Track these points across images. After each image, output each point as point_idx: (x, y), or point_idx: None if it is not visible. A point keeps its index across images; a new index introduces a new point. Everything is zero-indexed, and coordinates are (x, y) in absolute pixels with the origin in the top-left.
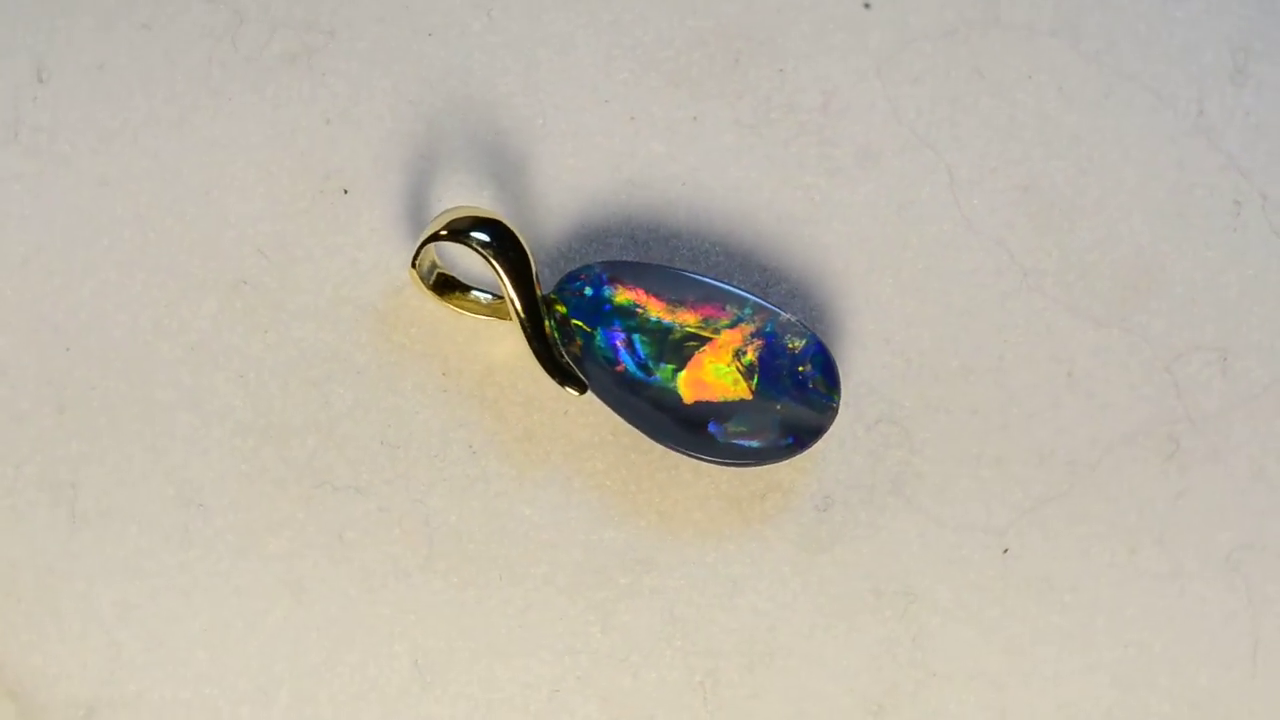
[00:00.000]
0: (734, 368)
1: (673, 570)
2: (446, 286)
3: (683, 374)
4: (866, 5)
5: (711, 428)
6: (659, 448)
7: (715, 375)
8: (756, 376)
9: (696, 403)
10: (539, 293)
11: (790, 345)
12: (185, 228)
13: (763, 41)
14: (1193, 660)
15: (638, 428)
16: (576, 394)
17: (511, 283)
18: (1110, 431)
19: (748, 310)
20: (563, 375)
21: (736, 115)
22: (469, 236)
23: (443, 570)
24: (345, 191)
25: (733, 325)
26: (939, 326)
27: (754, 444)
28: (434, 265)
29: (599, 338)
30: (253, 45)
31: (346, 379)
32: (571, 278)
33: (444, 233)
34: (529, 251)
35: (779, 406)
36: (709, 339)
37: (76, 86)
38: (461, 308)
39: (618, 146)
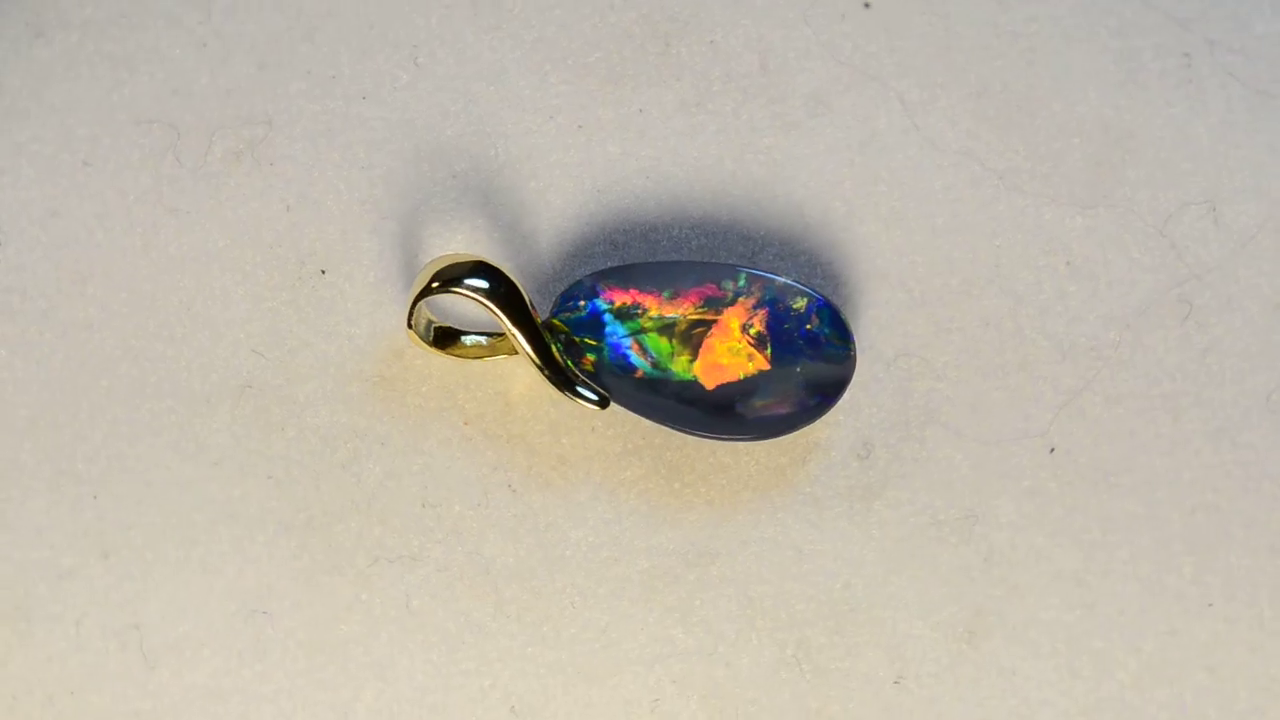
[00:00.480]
0: (745, 343)
1: (736, 554)
2: (446, 338)
3: (698, 363)
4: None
5: (738, 407)
6: (692, 439)
7: (729, 355)
8: (769, 346)
9: (719, 387)
10: (538, 320)
11: (794, 306)
12: (178, 348)
13: (687, 20)
14: (1262, 508)
15: (667, 425)
16: (599, 409)
17: (510, 319)
18: (1122, 308)
19: (742, 283)
20: (582, 394)
21: (680, 97)
22: (458, 285)
23: (515, 613)
24: (323, 272)
25: (732, 302)
26: (931, 250)
27: (783, 412)
28: (429, 321)
29: (607, 349)
30: (195, 155)
31: (373, 453)
32: (565, 297)
33: (434, 285)
34: (518, 283)
35: (798, 369)
36: (714, 321)
37: (35, 240)
38: (466, 355)
39: (574, 158)
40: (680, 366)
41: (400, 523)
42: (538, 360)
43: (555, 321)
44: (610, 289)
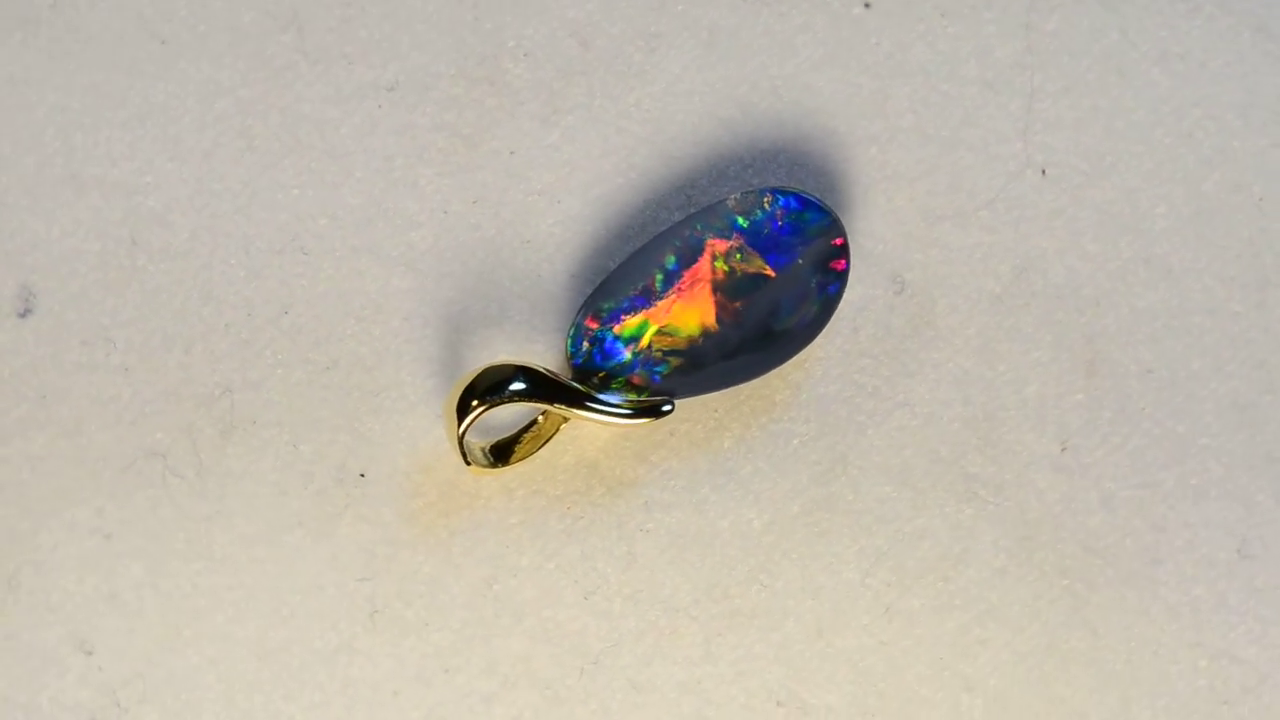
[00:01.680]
0: (740, 270)
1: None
2: (505, 450)
3: (715, 316)
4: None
5: (774, 326)
6: (754, 385)
7: (735, 292)
8: (759, 258)
9: (744, 319)
10: (569, 382)
11: (756, 214)
12: (274, 627)
13: (503, 23)
14: None
15: (728, 386)
16: (670, 412)
17: (560, 402)
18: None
19: (700, 226)
20: (648, 414)
21: (555, 107)
22: (501, 397)
23: (753, 638)
24: (362, 475)
25: (703, 250)
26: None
27: (813, 310)
28: (481, 448)
29: (642, 372)
30: (191, 460)
31: (510, 584)
32: (573, 348)
33: (475, 406)
34: (536, 364)
35: (799, 261)
36: (706, 280)
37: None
38: (529, 451)
39: (511, 208)
40: (708, 332)
41: (572, 637)
42: (592, 413)
43: (581, 371)
44: (608, 318)
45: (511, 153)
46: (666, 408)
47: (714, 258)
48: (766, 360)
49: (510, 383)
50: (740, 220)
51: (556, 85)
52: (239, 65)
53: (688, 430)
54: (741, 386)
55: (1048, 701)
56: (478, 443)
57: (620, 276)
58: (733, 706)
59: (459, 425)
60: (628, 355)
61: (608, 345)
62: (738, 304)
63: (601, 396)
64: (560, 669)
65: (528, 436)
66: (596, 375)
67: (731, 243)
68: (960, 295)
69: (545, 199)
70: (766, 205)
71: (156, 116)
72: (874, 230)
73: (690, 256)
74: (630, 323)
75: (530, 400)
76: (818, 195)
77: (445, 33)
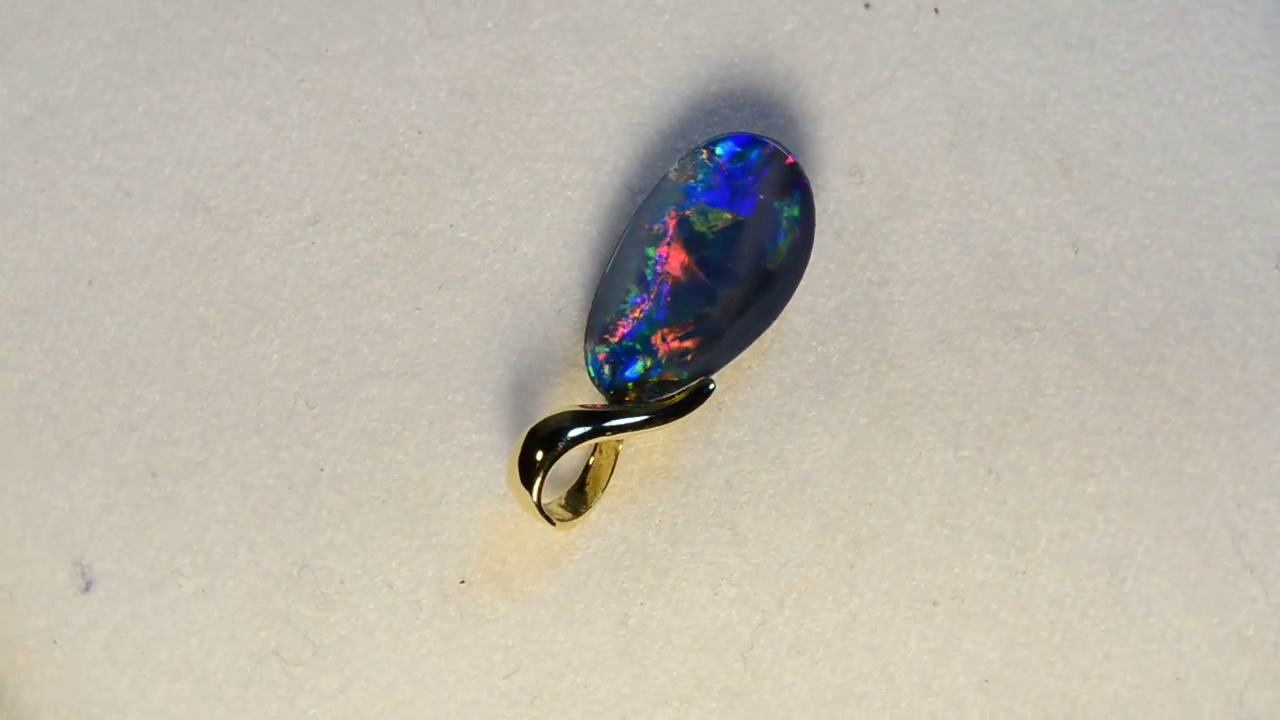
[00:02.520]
0: (714, 229)
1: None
2: (579, 495)
3: (705, 281)
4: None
5: (767, 264)
6: (774, 327)
7: (718, 251)
8: (723, 212)
9: (742, 273)
10: (615, 408)
11: (700, 174)
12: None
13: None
14: None
15: (751, 341)
16: (713, 389)
17: (604, 434)
18: None
19: (654, 209)
20: (695, 401)
21: (470, 165)
22: (557, 452)
23: (881, 556)
24: (462, 581)
25: (667, 228)
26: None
27: (795, 234)
28: (557, 504)
29: (669, 367)
30: (303, 644)
31: (641, 613)
32: (596, 375)
33: (540, 468)
34: (576, 406)
35: (761, 198)
36: (681, 255)
37: None
38: (600, 485)
39: (476, 275)
40: (690, 303)
41: (730, 649)
42: (653, 424)
43: (615, 392)
44: (611, 333)
45: (451, 225)
46: (710, 387)
47: (680, 229)
48: (775, 300)
49: (564, 434)
50: (690, 184)
51: (460, 144)
52: (165, 259)
53: (734, 396)
54: (764, 335)
55: (1174, 482)
56: (553, 501)
57: (607, 288)
58: (894, 621)
59: (531, 493)
60: (648, 361)
61: (624, 359)
62: (726, 262)
63: (647, 405)
64: (725, 666)
65: (591, 474)
66: (629, 390)
67: (688, 212)
68: (918, 157)
69: (503, 253)
70: (706, 160)
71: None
72: (816, 136)
73: (660, 239)
74: (635, 328)
75: (586, 440)
76: (748, 130)
77: (338, 148)
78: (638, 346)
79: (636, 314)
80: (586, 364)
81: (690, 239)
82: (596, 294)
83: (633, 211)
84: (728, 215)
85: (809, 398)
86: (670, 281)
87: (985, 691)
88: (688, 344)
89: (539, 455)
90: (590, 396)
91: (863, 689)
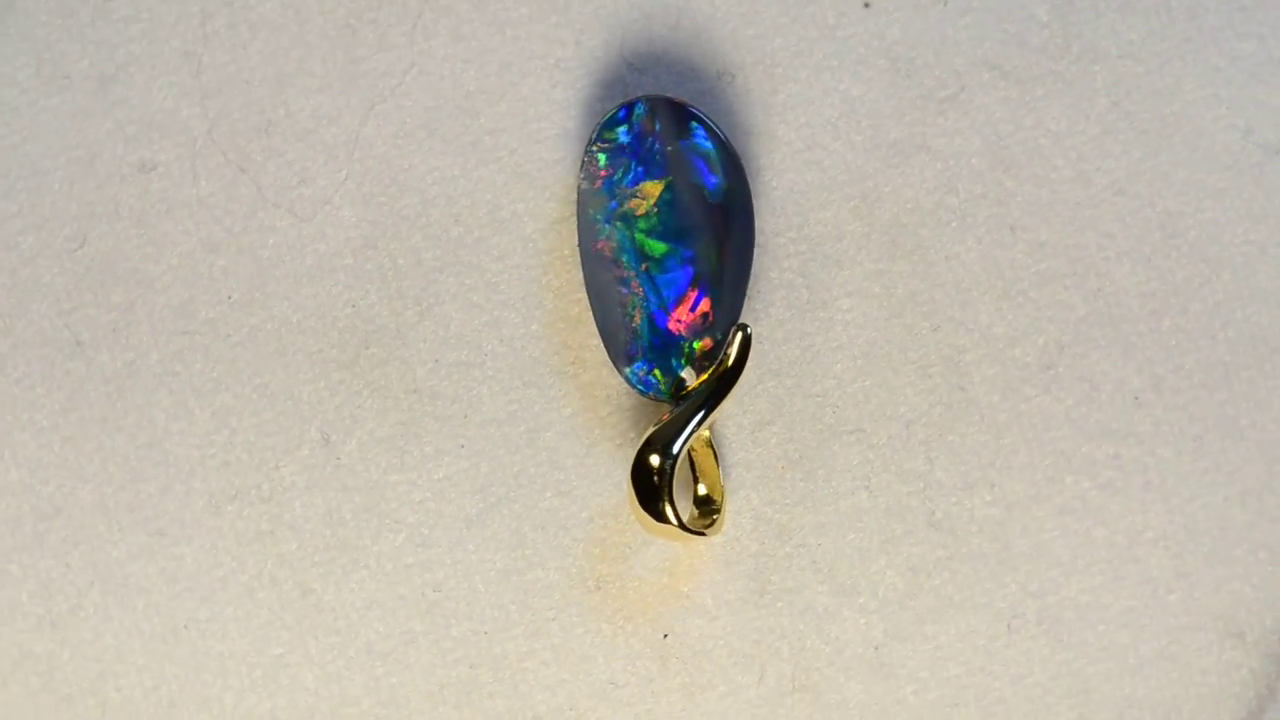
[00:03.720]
0: (651, 207)
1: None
2: (703, 501)
3: (677, 249)
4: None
5: (720, 201)
6: (760, 245)
7: (671, 217)
8: (647, 184)
9: (703, 219)
10: (699, 394)
11: (600, 166)
12: None
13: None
14: None
15: (748, 271)
16: (751, 332)
17: (706, 424)
18: None
19: (589, 218)
20: (743, 354)
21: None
22: (672, 463)
23: (967, 460)
24: (665, 635)
25: (610, 229)
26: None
27: (725, 156)
28: (692, 516)
29: (699, 343)
30: None
31: (822, 554)
32: (651, 390)
33: (662, 487)
34: (669, 411)
35: (666, 149)
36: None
37: None
38: (717, 482)
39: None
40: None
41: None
42: (730, 394)
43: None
44: (635, 349)
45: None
46: (748, 331)
47: (626, 223)
48: (746, 224)
49: (670, 446)
50: (605, 180)
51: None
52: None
53: (763, 332)
54: (758, 256)
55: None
56: (690, 516)
57: (601, 314)
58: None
59: (670, 515)
60: (679, 346)
61: (660, 358)
62: (681, 221)
63: (708, 379)
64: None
65: (701, 474)
66: (684, 381)
67: (623, 206)
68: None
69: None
70: (602, 150)
71: None
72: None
73: (615, 242)
74: (646, 327)
75: (694, 435)
76: (608, 100)
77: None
78: (661, 340)
79: (638, 317)
80: (635, 387)
81: (640, 223)
82: (599, 326)
83: (573, 240)
84: (655, 183)
85: (830, 295)
86: (645, 267)
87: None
88: (700, 309)
89: (656, 478)
90: (655, 411)
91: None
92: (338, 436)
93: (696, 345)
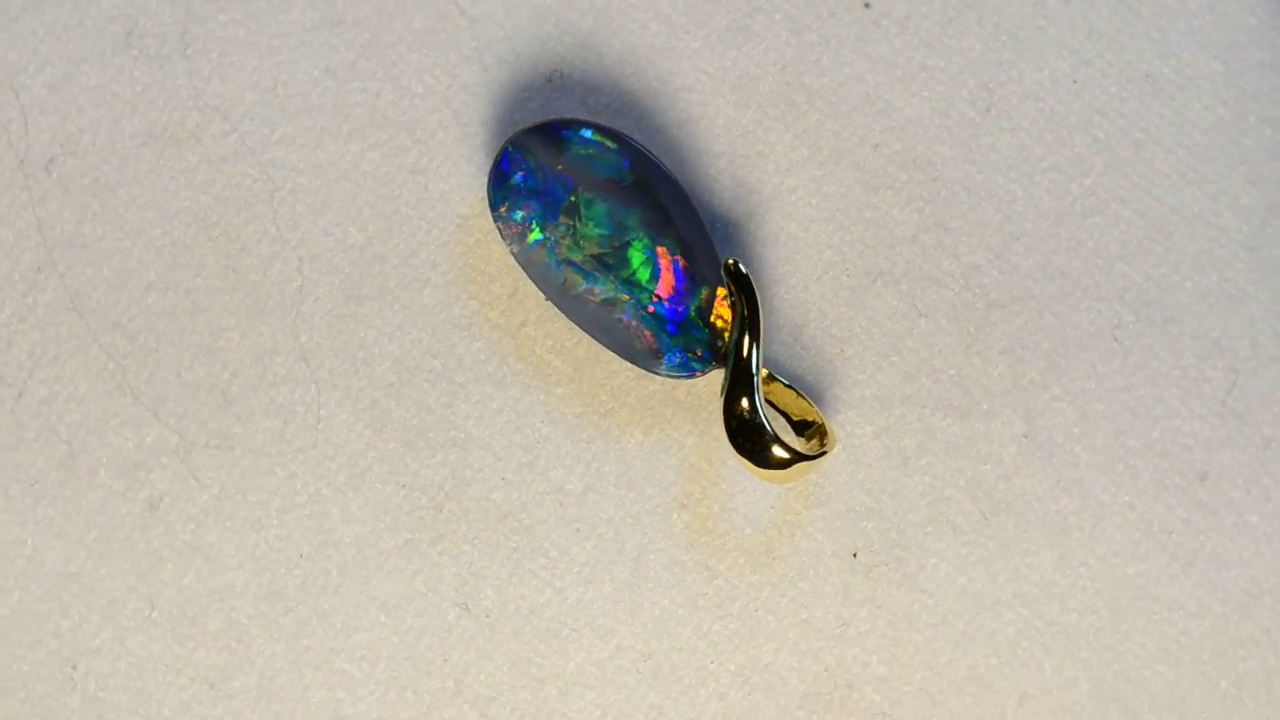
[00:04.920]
0: (587, 223)
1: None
2: (801, 425)
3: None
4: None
5: (640, 181)
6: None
7: (601, 224)
8: (571, 195)
9: (626, 205)
10: (751, 327)
11: (523, 213)
12: None
13: None
14: None
15: (699, 216)
16: (733, 259)
17: (754, 352)
18: None
19: (546, 265)
20: (743, 284)
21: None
22: (753, 394)
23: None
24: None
25: (566, 267)
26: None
27: (616, 144)
28: (801, 444)
29: (720, 306)
30: None
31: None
32: (698, 367)
33: (756, 421)
34: (728, 393)
35: (561, 167)
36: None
37: None
38: (807, 406)
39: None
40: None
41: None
42: (752, 320)
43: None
44: (667, 347)
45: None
46: (736, 265)
47: (574, 246)
48: (668, 181)
49: (751, 391)
50: (534, 229)
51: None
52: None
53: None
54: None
55: None
56: (794, 443)
57: (609, 338)
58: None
59: (785, 451)
60: (689, 316)
61: (687, 344)
62: (617, 218)
63: (738, 324)
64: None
65: (787, 412)
66: (718, 342)
67: (562, 241)
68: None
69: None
70: (505, 211)
71: None
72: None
73: (578, 273)
74: (652, 320)
75: (762, 377)
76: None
77: None
78: (671, 325)
79: (636, 320)
80: (682, 373)
81: (583, 246)
82: (612, 349)
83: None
84: (571, 204)
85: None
86: (613, 277)
87: None
88: (682, 273)
89: (754, 422)
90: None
91: None
92: None
93: (700, 303)
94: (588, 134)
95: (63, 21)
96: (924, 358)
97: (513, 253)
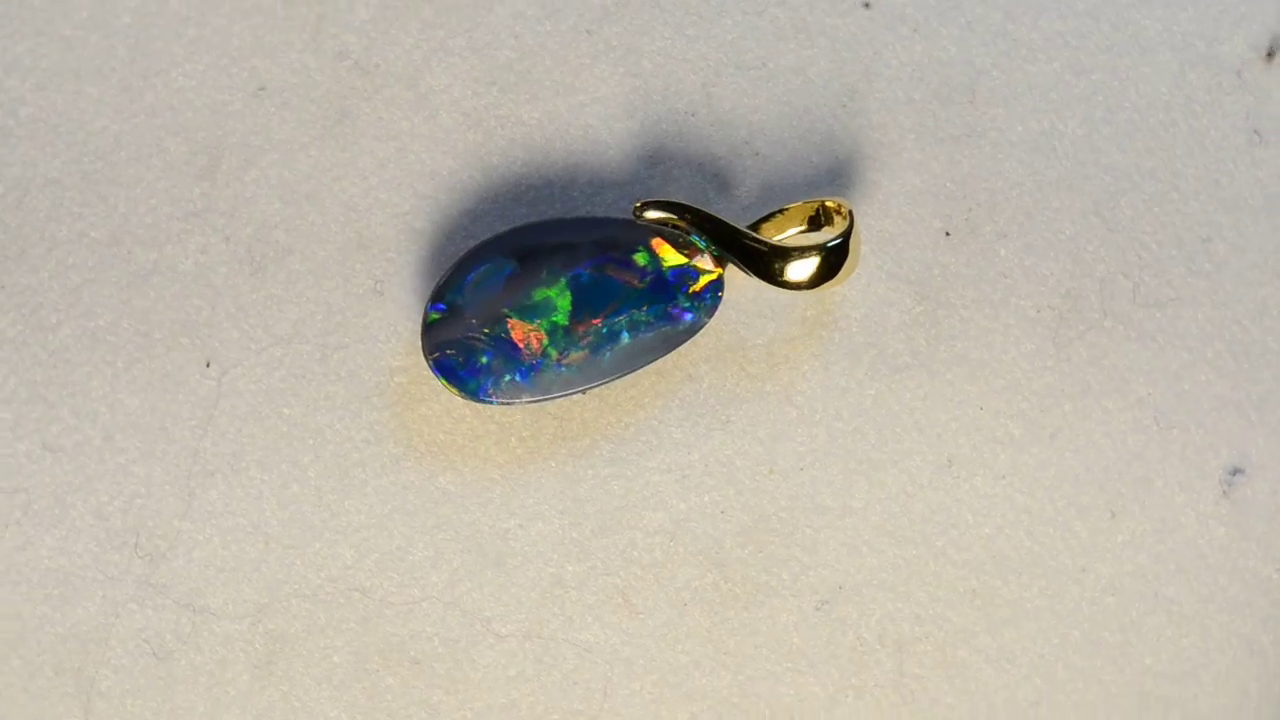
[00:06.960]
0: (587, 293)
1: None
2: (822, 222)
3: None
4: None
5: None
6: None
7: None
8: (552, 288)
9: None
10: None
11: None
12: None
13: None
14: None
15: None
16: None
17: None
18: None
19: (547, 351)
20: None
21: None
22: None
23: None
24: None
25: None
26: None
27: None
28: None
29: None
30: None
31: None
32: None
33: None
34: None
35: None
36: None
37: None
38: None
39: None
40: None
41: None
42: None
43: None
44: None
45: None
46: (641, 208)
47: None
48: (550, 223)
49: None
50: (479, 374)
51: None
52: None
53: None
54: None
55: None
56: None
57: (650, 356)
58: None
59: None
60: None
61: (685, 290)
62: (545, 294)
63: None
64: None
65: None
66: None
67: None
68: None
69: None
70: (494, 388)
71: None
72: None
73: (599, 334)
74: (651, 300)
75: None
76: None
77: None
78: (657, 294)
79: (633, 321)
80: (702, 317)
81: (592, 294)
82: (641, 365)
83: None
84: (566, 280)
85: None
86: (597, 321)
87: None
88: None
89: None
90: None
91: None
92: None
93: (649, 249)
94: (470, 278)
95: None
96: None
97: (528, 403)
